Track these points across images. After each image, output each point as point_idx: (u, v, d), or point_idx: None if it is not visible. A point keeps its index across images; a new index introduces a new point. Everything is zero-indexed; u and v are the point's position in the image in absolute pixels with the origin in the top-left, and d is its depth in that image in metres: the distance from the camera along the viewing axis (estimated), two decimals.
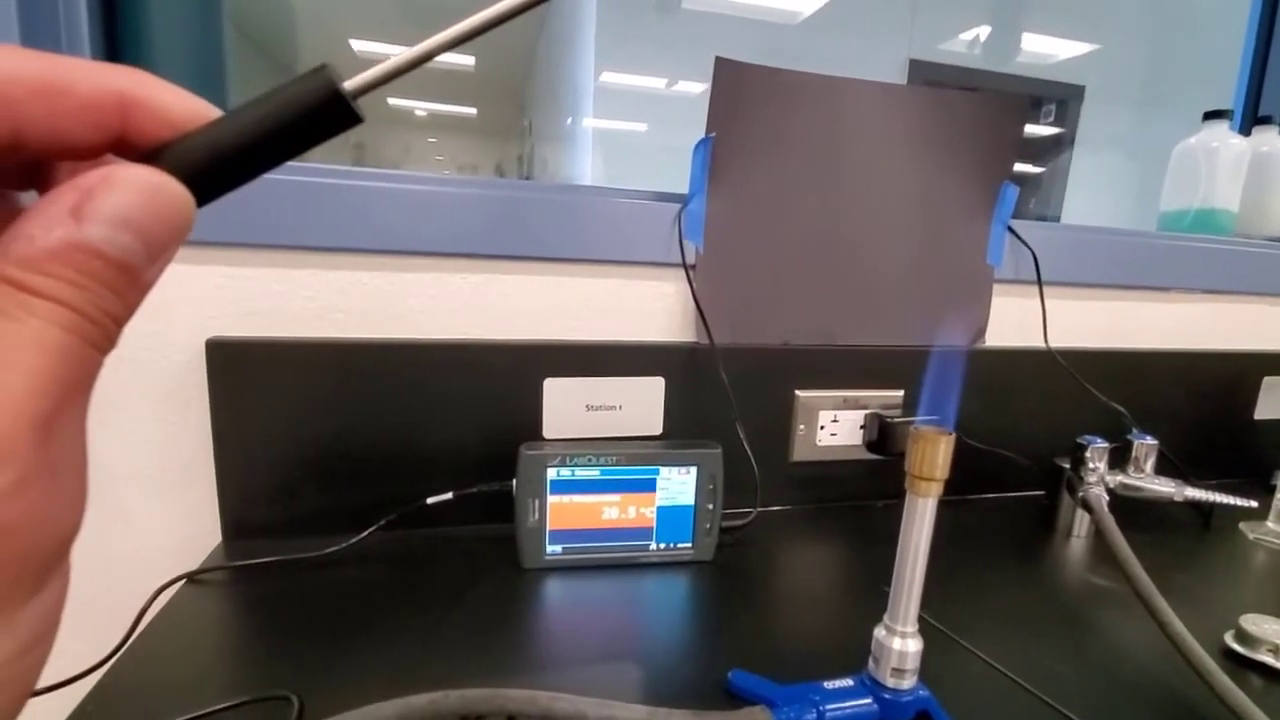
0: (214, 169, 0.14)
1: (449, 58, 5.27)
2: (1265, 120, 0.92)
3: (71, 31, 0.51)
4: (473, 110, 6.89)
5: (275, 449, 0.52)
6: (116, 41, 0.53)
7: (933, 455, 0.30)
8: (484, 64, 5.43)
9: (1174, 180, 0.90)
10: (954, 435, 0.31)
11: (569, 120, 3.62)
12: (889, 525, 0.38)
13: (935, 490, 0.31)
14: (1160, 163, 0.92)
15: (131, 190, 0.13)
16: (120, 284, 0.13)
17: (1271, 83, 1.07)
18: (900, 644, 0.33)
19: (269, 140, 0.14)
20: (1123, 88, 3.21)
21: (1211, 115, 0.88)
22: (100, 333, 0.13)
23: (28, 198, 0.14)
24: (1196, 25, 3.06)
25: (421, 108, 6.82)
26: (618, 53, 2.87)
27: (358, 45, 4.91)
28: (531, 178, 5.30)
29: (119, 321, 0.13)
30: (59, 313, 0.12)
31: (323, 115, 0.14)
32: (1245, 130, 0.94)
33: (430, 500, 0.52)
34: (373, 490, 0.54)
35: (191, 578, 0.46)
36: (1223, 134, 0.86)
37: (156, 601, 0.44)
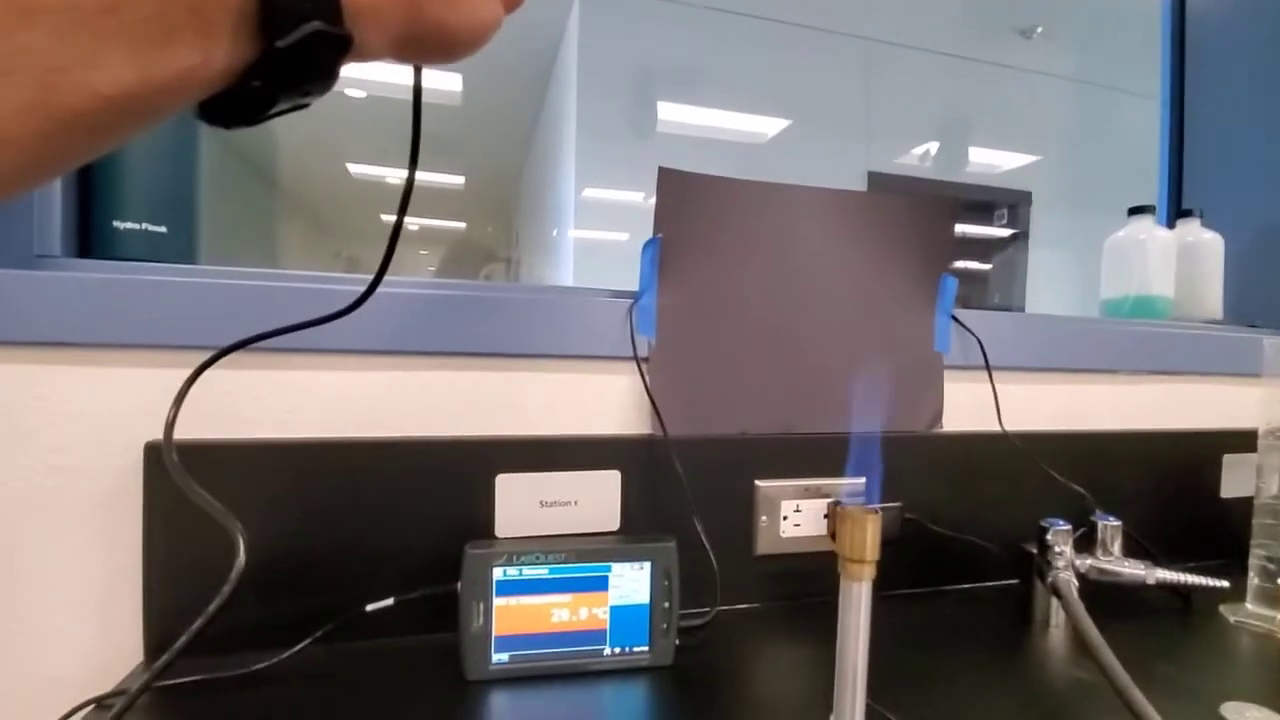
0: None
1: (440, 177, 5.60)
2: (1187, 213, 0.99)
3: None
4: (462, 225, 7.23)
5: (209, 558, 0.50)
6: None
7: (861, 536, 0.30)
8: (472, 183, 5.76)
9: (1109, 270, 0.95)
10: (880, 513, 0.30)
11: (554, 232, 3.79)
12: None
13: (868, 573, 0.30)
14: (1098, 257, 0.98)
15: None
16: None
17: (1190, 179, 1.16)
18: None
19: None
20: (1061, 192, 3.48)
21: (1135, 210, 0.95)
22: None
23: None
24: (1121, 134, 3.36)
25: (414, 223, 7.14)
26: (598, 172, 3.06)
27: (355, 169, 5.23)
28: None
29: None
30: None
31: None
32: (1170, 223, 1.01)
33: (370, 607, 0.49)
34: (312, 599, 0.51)
35: (100, 703, 0.43)
36: (1148, 227, 0.92)
37: None
